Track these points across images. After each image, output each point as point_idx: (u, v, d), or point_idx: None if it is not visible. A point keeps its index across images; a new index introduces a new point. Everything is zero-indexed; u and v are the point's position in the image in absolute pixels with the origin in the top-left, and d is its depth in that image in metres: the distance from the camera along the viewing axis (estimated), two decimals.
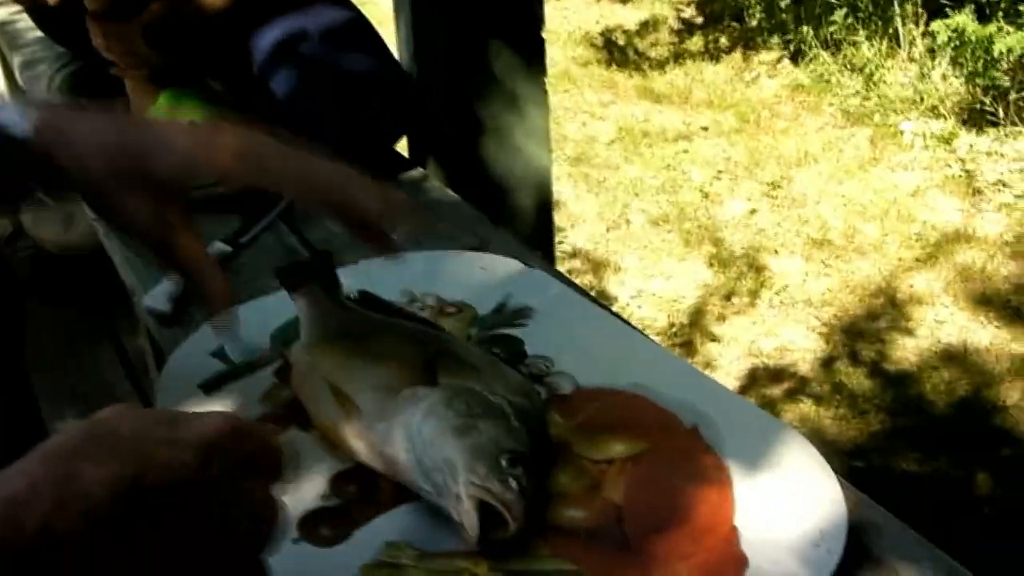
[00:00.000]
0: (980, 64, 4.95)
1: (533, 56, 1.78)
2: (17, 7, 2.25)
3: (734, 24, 6.27)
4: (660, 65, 6.02)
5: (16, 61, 2.18)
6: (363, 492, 0.94)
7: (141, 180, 0.90)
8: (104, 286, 2.58)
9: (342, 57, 1.62)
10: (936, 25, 5.11)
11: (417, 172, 1.62)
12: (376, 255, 0.98)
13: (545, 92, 1.80)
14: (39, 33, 2.12)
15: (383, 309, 1.13)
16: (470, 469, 0.84)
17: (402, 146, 1.75)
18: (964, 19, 4.97)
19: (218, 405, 1.07)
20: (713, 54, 6.06)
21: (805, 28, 5.73)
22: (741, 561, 0.83)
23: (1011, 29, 4.82)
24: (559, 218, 4.31)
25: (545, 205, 1.84)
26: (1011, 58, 4.82)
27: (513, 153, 1.77)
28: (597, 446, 0.95)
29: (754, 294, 4.03)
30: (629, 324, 1.19)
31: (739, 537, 0.85)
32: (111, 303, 3.01)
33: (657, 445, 0.95)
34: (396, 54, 1.75)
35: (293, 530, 0.90)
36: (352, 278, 1.18)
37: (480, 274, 1.28)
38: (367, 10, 1.70)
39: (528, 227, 1.77)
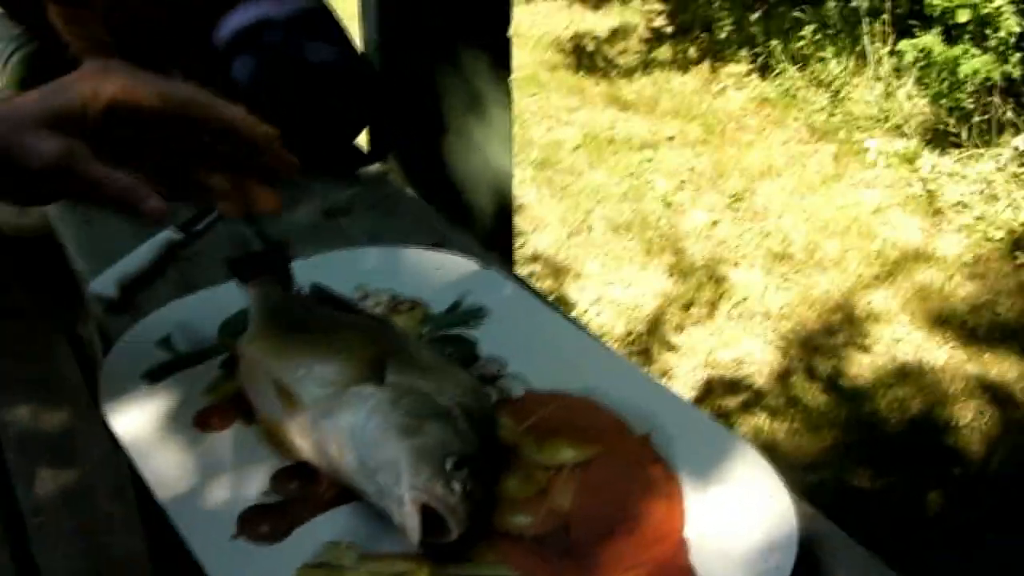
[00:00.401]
0: (945, 85, 4.97)
1: (499, 56, 1.76)
2: None
3: (703, 35, 6.27)
4: (628, 73, 6.01)
5: None
6: (304, 490, 0.92)
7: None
8: (60, 272, 2.55)
9: (305, 46, 1.60)
10: (903, 45, 5.13)
11: (377, 167, 1.60)
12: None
13: (509, 93, 1.78)
14: None
15: (335, 304, 1.11)
16: (414, 471, 0.82)
17: (362, 140, 1.72)
18: (931, 40, 4.99)
19: (162, 395, 1.05)
20: (682, 64, 6.06)
21: (774, 42, 5.74)
22: (689, 573, 0.81)
23: (977, 52, 4.84)
24: (521, 222, 4.30)
25: (505, 207, 1.82)
26: (976, 81, 4.83)
27: (474, 153, 1.75)
28: (546, 451, 0.93)
29: (713, 305, 4.02)
30: (584, 329, 1.18)
31: (688, 548, 0.84)
32: (66, 290, 2.97)
33: (608, 451, 0.94)
34: (360, 46, 1.73)
35: (232, 526, 0.88)
36: (306, 271, 1.16)
37: (436, 272, 1.26)
38: (335, 3, 1.68)
39: (487, 228, 1.75)
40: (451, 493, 0.81)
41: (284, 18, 1.61)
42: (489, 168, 1.77)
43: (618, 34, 6.49)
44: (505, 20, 1.76)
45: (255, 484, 0.93)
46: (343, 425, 0.88)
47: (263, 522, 0.89)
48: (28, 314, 3.09)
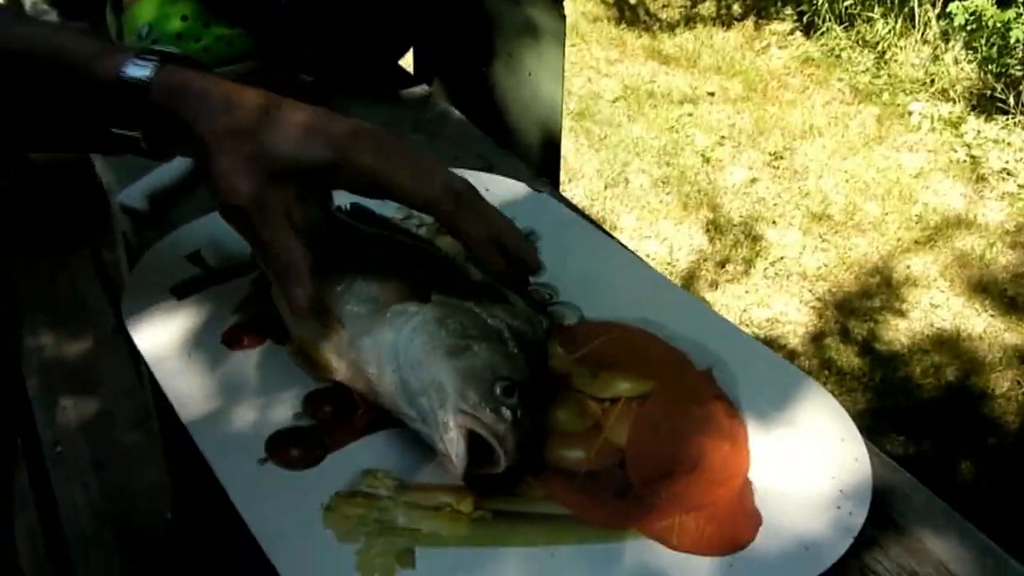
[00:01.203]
0: (994, 50, 4.87)
1: None
2: None
3: None
4: (670, 27, 5.92)
5: None
6: (339, 414, 0.86)
7: (254, 156, 0.87)
8: (87, 195, 2.50)
9: None
10: (953, 7, 5.02)
11: (422, 88, 1.54)
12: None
13: (563, 20, 1.72)
14: None
15: (376, 223, 1.05)
16: (461, 394, 0.76)
17: (406, 62, 1.66)
18: (982, 2, 4.88)
19: (190, 311, 0.99)
20: (725, 20, 5.96)
21: (819, 0, 5.64)
22: (754, 518, 0.75)
23: None
24: None
25: (553, 137, 1.76)
26: None
27: (524, 79, 1.69)
28: (601, 383, 0.87)
29: (749, 263, 3.96)
30: (639, 257, 1.11)
31: (753, 491, 0.77)
32: (93, 215, 2.93)
33: (666, 386, 0.87)
34: None
35: (260, 450, 0.83)
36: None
37: (483, 194, 1.20)
38: None
39: (534, 157, 1.69)
40: (500, 420, 0.75)
41: None
42: (539, 96, 1.71)
43: None
44: None
45: (286, 407, 0.88)
46: (384, 344, 0.82)
47: (294, 446, 0.83)
48: (53, 239, 3.05)
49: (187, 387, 0.90)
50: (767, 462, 0.80)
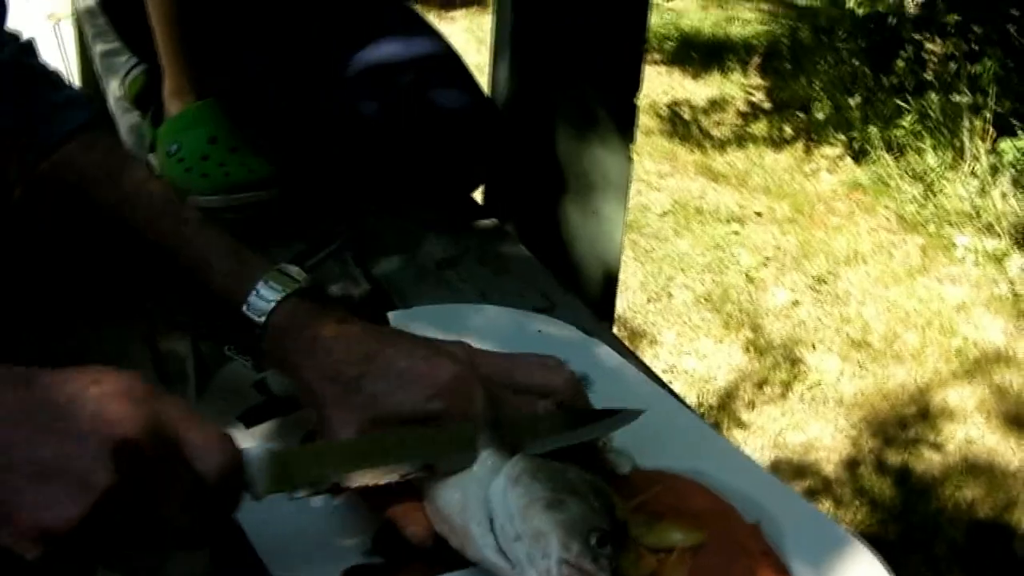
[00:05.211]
0: None
1: (624, 121, 1.76)
2: None
3: (800, 115, 6.25)
4: (722, 145, 6.00)
5: (98, 50, 2.17)
6: (408, 551, 0.90)
7: (357, 407, 0.93)
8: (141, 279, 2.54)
9: (435, 90, 1.61)
10: (1004, 144, 5.08)
11: (491, 222, 1.60)
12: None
13: (630, 159, 1.78)
14: None
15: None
16: (564, 545, 0.81)
17: (477, 194, 1.73)
18: None
19: (257, 440, 1.04)
20: (776, 141, 6.04)
21: (871, 128, 5.70)
22: None
23: None
24: None
25: (612, 272, 1.82)
26: None
27: (589, 217, 1.75)
28: (656, 532, 0.92)
29: (787, 386, 3.98)
30: (689, 407, 1.16)
31: None
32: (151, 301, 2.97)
33: (717, 537, 0.92)
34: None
35: None
36: (402, 321, 1.14)
37: (537, 336, 1.24)
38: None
39: (594, 293, 1.75)
40: (600, 569, 0.80)
41: (413, 59, 1.62)
42: (602, 234, 1.77)
43: (715, 105, 6.49)
44: (635, 85, 1.76)
45: (357, 543, 0.92)
46: (471, 494, 0.87)
47: None
48: (109, 322, 3.09)
49: (259, 519, 0.92)
50: None
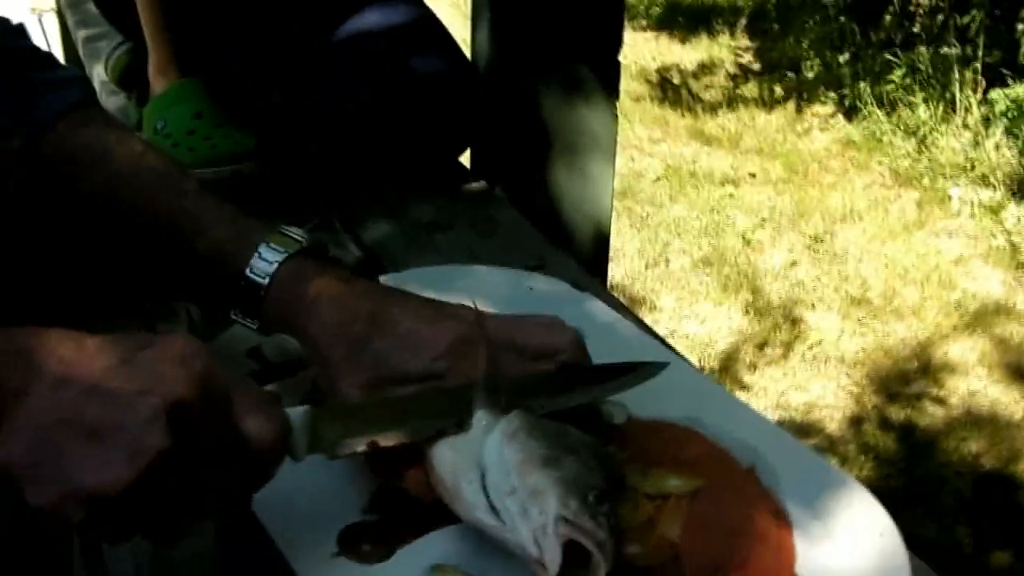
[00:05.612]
0: None
1: (607, 79, 1.76)
2: None
3: (790, 74, 6.23)
4: (713, 108, 5.99)
5: (80, 35, 2.17)
6: (405, 508, 0.90)
7: (363, 365, 0.94)
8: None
9: (412, 56, 1.61)
10: (994, 94, 5.07)
11: (479, 184, 1.60)
12: None
13: (616, 117, 1.78)
14: None
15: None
16: (563, 503, 0.80)
17: (464, 158, 1.72)
18: None
19: None
20: (767, 102, 6.02)
21: (862, 84, 5.70)
22: None
23: None
24: None
25: (603, 231, 1.81)
26: None
27: (577, 175, 1.74)
28: (652, 480, 0.92)
29: (788, 346, 3.98)
30: (682, 356, 1.16)
31: None
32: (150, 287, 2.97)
33: (714, 483, 0.92)
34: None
35: (332, 543, 0.88)
36: (396, 285, 1.14)
37: (528, 294, 1.24)
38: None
39: (586, 251, 1.74)
40: (600, 527, 0.79)
41: (391, 26, 1.62)
42: (591, 193, 1.76)
43: (705, 68, 6.48)
44: (616, 43, 1.75)
45: (355, 502, 0.92)
46: (464, 451, 0.87)
47: (364, 541, 0.88)
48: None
49: None
50: (810, 557, 0.85)
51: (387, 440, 0.86)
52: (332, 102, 1.62)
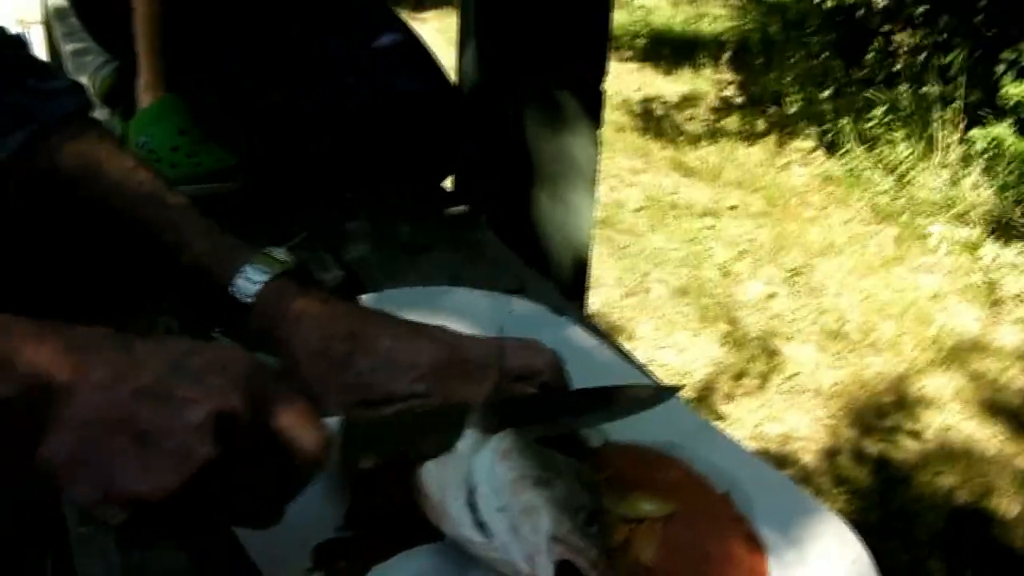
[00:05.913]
0: (1013, 177, 4.93)
1: (591, 107, 1.77)
2: None
3: (772, 109, 6.27)
4: (695, 140, 6.02)
5: (67, 49, 2.18)
6: (381, 525, 0.91)
7: (342, 386, 0.95)
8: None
9: (395, 75, 1.61)
10: (974, 133, 5.10)
11: (461, 208, 1.60)
12: None
13: (598, 146, 1.79)
14: None
15: None
16: (556, 522, 0.81)
17: (447, 182, 1.73)
18: (1003, 131, 4.96)
19: None
20: (748, 136, 6.06)
21: (843, 121, 5.73)
22: None
23: None
24: None
25: (582, 257, 1.82)
26: None
27: (559, 201, 1.75)
28: (627, 503, 0.93)
29: (764, 378, 3.99)
30: (658, 382, 1.17)
31: None
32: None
33: (688, 507, 0.93)
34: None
35: (306, 559, 0.88)
36: (376, 305, 1.16)
37: (508, 317, 1.25)
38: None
39: (566, 276, 1.75)
40: (592, 547, 0.80)
41: (375, 47, 1.63)
42: (572, 219, 1.77)
43: (687, 101, 6.51)
44: (601, 72, 1.76)
45: (330, 518, 0.92)
46: (451, 468, 0.87)
47: (340, 558, 0.88)
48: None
49: None
50: None
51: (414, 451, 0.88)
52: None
